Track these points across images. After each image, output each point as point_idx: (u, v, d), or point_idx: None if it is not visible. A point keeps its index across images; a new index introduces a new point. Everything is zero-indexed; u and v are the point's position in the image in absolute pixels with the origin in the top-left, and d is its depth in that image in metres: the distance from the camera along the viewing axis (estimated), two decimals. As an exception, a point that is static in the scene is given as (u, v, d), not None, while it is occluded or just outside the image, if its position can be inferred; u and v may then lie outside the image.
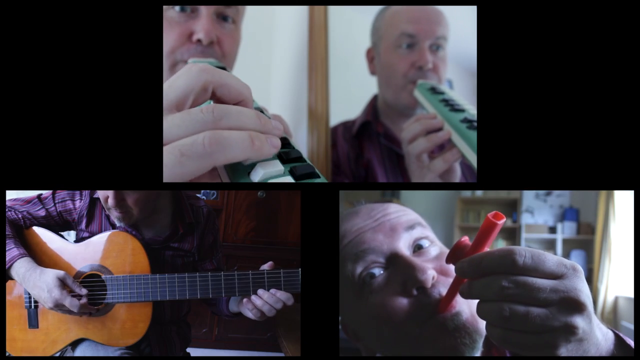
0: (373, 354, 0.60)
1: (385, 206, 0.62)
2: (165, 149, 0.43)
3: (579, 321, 0.38)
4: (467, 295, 0.43)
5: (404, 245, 0.57)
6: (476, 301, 0.42)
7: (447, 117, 0.84)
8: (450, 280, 0.51)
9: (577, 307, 0.38)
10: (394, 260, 0.55)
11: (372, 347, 0.59)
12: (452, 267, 0.53)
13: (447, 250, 0.58)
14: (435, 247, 0.58)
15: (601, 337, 0.41)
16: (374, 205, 0.63)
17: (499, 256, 0.40)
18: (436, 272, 0.53)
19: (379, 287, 0.55)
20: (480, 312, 0.41)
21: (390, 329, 0.53)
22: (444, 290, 0.51)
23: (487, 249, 0.44)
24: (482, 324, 0.51)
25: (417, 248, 0.58)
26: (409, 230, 0.58)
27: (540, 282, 0.38)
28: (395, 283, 0.54)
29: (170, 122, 0.43)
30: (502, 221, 0.42)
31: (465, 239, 0.46)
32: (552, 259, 0.39)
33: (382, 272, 0.56)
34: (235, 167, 0.47)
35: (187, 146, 0.42)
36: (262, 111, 0.58)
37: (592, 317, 0.39)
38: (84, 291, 0.85)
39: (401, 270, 0.54)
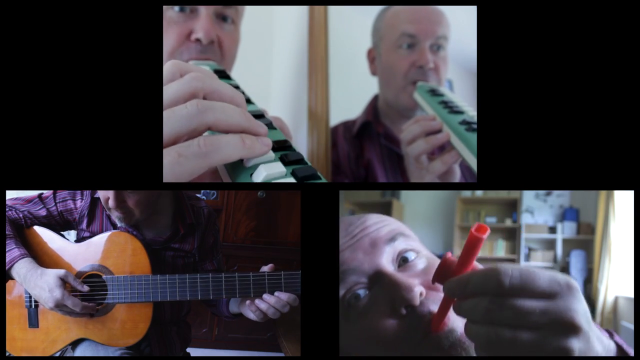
0: None
1: (363, 219, 0.58)
2: (164, 151, 0.44)
3: (574, 343, 0.35)
4: (458, 314, 0.41)
5: (387, 261, 0.54)
6: None
7: (446, 119, 0.84)
8: (441, 294, 0.48)
9: (571, 329, 0.35)
10: (378, 279, 0.52)
11: None
12: None
13: (435, 260, 0.55)
14: (422, 260, 0.55)
15: (602, 349, 0.38)
16: (351, 219, 0.59)
17: (483, 276, 0.38)
18: (424, 287, 0.50)
19: (366, 309, 0.52)
20: (468, 334, 0.39)
21: (384, 351, 0.51)
22: (434, 307, 0.49)
23: (474, 262, 0.42)
24: None
25: (403, 261, 0.54)
26: (391, 242, 0.54)
27: (529, 304, 0.36)
28: (382, 303, 0.51)
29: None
30: (487, 234, 0.40)
31: (449, 255, 0.44)
32: (544, 276, 0.36)
33: (367, 292, 0.53)
34: (238, 168, 0.48)
35: (184, 147, 0.44)
36: (262, 114, 0.58)
37: (589, 335, 0.37)
38: (85, 288, 0.85)
39: (386, 289, 0.51)
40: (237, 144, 0.45)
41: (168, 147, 0.44)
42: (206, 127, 0.46)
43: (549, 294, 0.36)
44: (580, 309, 0.36)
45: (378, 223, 0.57)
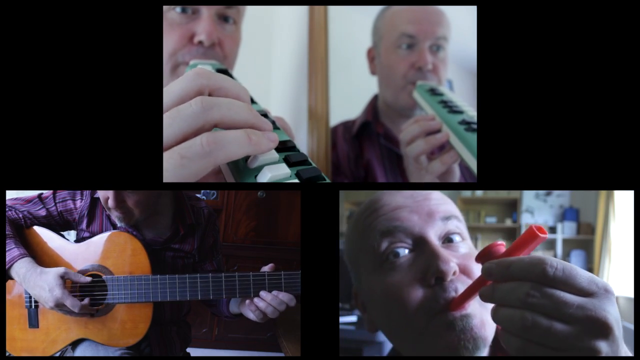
0: (375, 330, 0.60)
1: (428, 191, 0.62)
2: (165, 154, 0.43)
3: (602, 346, 0.36)
4: (488, 298, 0.41)
5: (435, 233, 0.56)
6: (488, 308, 0.40)
7: (445, 118, 0.84)
8: (470, 281, 0.50)
9: (603, 329, 0.36)
10: (421, 245, 0.55)
11: (376, 323, 0.60)
12: (473, 268, 0.52)
13: (474, 251, 0.57)
14: (465, 245, 0.57)
15: None
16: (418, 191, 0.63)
17: (529, 263, 0.38)
18: (459, 268, 0.53)
19: (400, 267, 0.54)
20: (499, 317, 0.39)
21: (399, 314, 0.53)
22: (460, 288, 0.51)
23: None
24: (489, 332, 0.50)
25: (447, 241, 0.57)
26: (445, 220, 0.57)
27: (568, 297, 0.37)
28: (416, 268, 0.54)
29: (164, 124, 0.43)
30: (545, 236, 0.41)
31: (502, 243, 0.45)
32: (584, 275, 0.38)
33: (406, 253, 0.55)
34: (242, 170, 0.47)
35: (185, 148, 0.42)
36: (265, 114, 0.58)
37: (619, 343, 0.37)
38: (87, 279, 0.85)
39: (425, 256, 0.54)
40: (243, 140, 0.44)
41: (168, 150, 0.43)
42: (212, 125, 0.44)
43: (586, 292, 0.37)
44: (613, 312, 0.37)
45: (441, 199, 0.60)
